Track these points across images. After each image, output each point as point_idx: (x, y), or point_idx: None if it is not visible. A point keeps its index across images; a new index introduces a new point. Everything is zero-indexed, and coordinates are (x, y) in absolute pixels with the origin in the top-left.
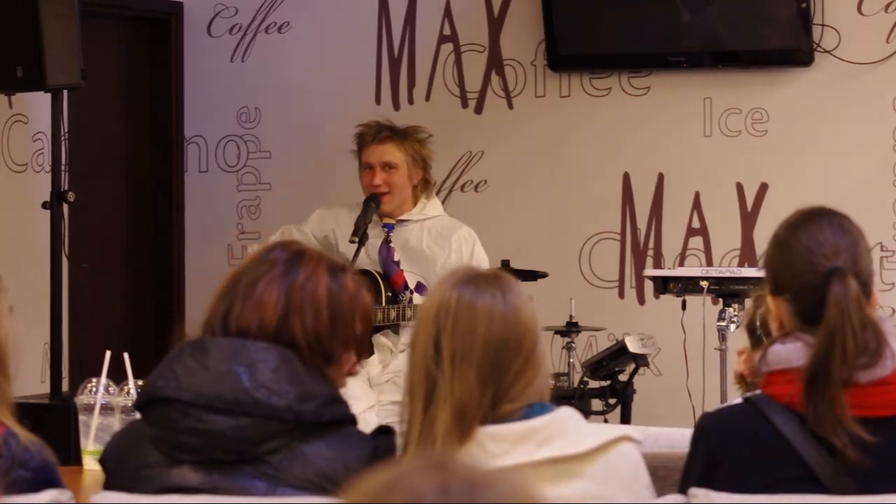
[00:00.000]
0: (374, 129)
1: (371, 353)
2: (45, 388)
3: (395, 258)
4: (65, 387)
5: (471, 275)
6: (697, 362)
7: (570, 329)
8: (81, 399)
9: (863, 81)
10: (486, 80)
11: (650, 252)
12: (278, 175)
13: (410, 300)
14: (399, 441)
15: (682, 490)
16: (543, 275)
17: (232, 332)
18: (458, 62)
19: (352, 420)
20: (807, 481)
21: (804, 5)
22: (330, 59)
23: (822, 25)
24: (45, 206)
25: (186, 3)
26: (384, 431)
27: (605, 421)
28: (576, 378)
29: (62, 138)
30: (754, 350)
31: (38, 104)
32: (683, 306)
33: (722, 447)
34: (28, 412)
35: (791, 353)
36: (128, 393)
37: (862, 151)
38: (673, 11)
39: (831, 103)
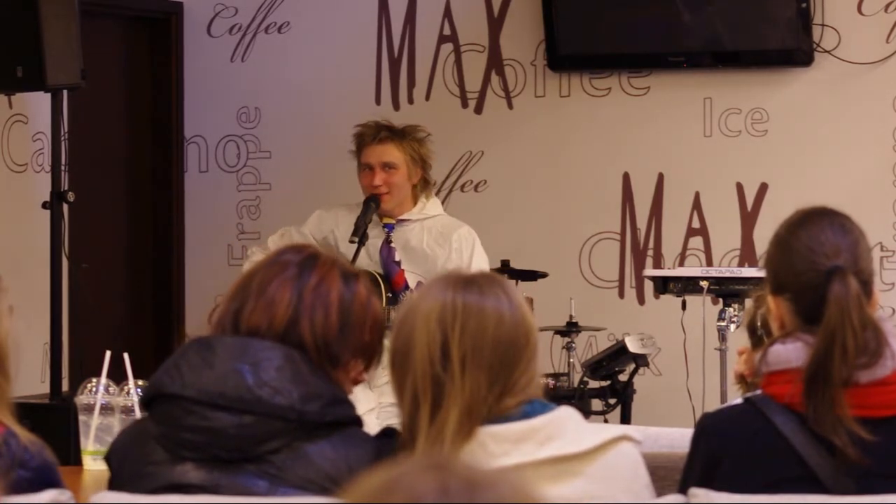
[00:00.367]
0: (373, 130)
1: (379, 363)
2: (45, 388)
3: (396, 258)
4: (65, 387)
5: (468, 277)
6: (697, 362)
7: (570, 329)
8: (81, 399)
9: (863, 81)
10: (486, 80)
11: (650, 252)
12: (278, 175)
13: None
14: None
15: (682, 490)
16: (543, 275)
17: (242, 332)
18: (458, 62)
19: (357, 421)
20: (807, 481)
21: (804, 5)
22: (330, 59)
23: (822, 25)
24: (45, 206)
25: (186, 3)
26: (388, 433)
27: (605, 421)
28: (576, 378)
29: (62, 138)
30: (755, 350)
31: (38, 104)
32: (683, 306)
33: (722, 447)
34: (28, 412)
35: (791, 353)
36: (128, 393)
37: (862, 151)
38: (673, 11)
39: (831, 103)
